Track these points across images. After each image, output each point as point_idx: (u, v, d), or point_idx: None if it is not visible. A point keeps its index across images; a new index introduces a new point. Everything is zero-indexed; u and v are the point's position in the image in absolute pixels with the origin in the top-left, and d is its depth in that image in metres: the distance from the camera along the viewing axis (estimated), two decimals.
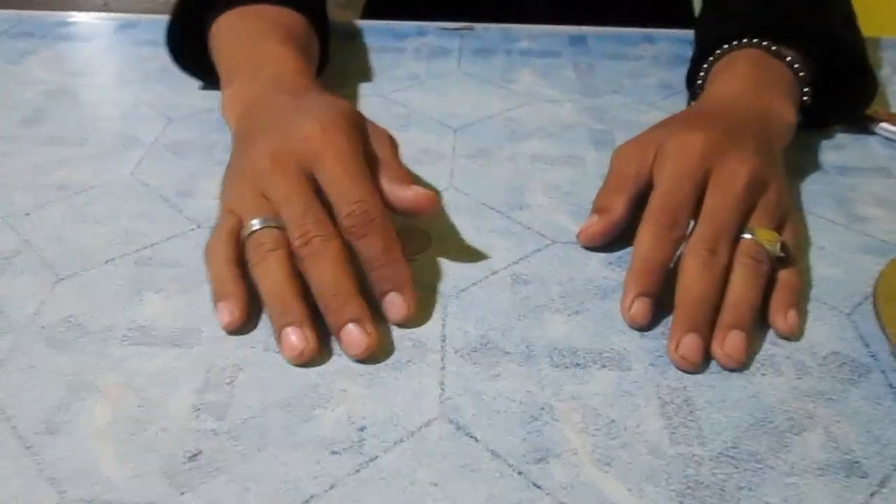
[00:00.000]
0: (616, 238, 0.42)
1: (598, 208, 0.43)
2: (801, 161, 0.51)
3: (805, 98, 0.50)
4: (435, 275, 0.41)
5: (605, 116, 0.56)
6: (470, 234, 0.44)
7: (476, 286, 0.40)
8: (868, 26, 0.58)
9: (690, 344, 0.35)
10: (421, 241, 0.43)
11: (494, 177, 0.49)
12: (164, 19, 0.56)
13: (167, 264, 0.41)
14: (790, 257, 0.39)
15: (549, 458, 0.31)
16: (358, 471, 0.31)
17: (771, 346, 0.37)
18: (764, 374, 0.35)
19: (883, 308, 0.37)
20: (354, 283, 0.36)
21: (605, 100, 0.58)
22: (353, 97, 0.58)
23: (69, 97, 0.58)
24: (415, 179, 0.41)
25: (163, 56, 0.60)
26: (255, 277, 0.37)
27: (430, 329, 0.37)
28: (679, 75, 0.62)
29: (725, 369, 0.35)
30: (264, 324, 0.37)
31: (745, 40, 0.50)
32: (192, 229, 0.44)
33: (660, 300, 0.38)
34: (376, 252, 0.37)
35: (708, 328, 0.36)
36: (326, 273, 0.36)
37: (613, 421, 0.33)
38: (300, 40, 0.51)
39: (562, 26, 0.69)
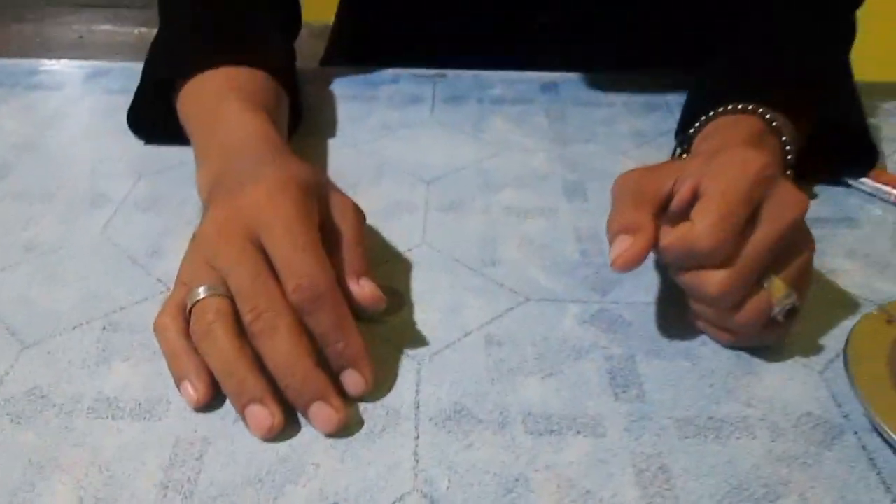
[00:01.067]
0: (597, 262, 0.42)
1: (626, 227, 0.38)
2: None
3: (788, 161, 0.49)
4: (408, 337, 0.40)
5: (577, 166, 0.56)
6: (443, 292, 0.44)
7: (449, 349, 0.40)
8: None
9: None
10: (393, 301, 0.43)
11: (467, 230, 0.49)
12: (133, 67, 0.55)
13: (135, 329, 0.40)
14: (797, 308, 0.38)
15: None
16: None
17: (745, 407, 0.37)
18: (738, 438, 0.35)
19: (854, 368, 0.37)
20: (311, 356, 0.35)
21: (577, 149, 0.59)
22: (325, 149, 0.58)
23: (37, 150, 0.57)
24: (369, 268, 0.40)
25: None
26: (202, 352, 0.35)
27: (403, 395, 0.37)
28: (651, 122, 0.63)
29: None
30: None
31: (750, 107, 0.48)
32: (162, 292, 0.43)
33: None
34: (327, 328, 0.35)
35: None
36: (280, 350, 0.34)
37: (589, 491, 0.33)
38: (267, 102, 0.50)
39: (534, 72, 0.70)
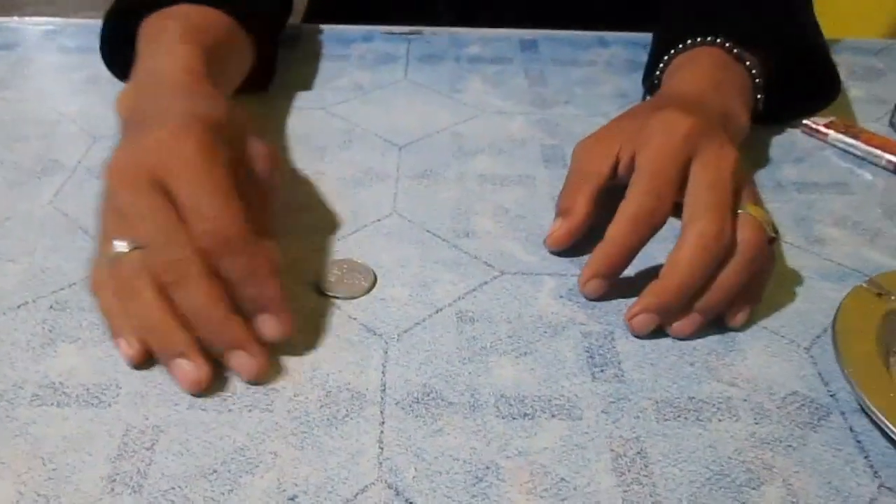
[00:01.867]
0: (579, 241, 0.42)
1: (561, 210, 0.42)
2: (758, 176, 0.50)
3: (758, 104, 0.50)
4: (377, 315, 0.38)
5: (556, 130, 0.54)
6: (414, 265, 0.41)
7: (419, 326, 0.38)
8: (827, 27, 0.57)
9: (648, 322, 0.37)
10: (365, 278, 0.40)
11: (440, 199, 0.47)
12: (91, 24, 0.52)
13: (85, 308, 0.38)
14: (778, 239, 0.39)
15: None
16: None
17: (728, 387, 0.35)
18: (721, 420, 0.34)
19: (842, 345, 0.35)
20: (226, 303, 0.33)
21: (557, 111, 0.56)
22: (293, 111, 0.55)
23: None
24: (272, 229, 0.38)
25: (90, 65, 0.56)
26: (126, 312, 0.34)
27: (369, 377, 0.35)
28: (632, 81, 0.60)
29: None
30: None
31: (708, 38, 0.49)
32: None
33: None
34: (238, 273, 0.34)
35: (677, 313, 0.37)
36: (192, 300, 0.33)
37: (563, 479, 0.31)
38: (215, 40, 0.47)
39: (512, 30, 0.67)
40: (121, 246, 0.34)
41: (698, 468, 0.32)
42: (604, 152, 0.42)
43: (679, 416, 0.34)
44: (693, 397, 0.35)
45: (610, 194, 0.41)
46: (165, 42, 0.45)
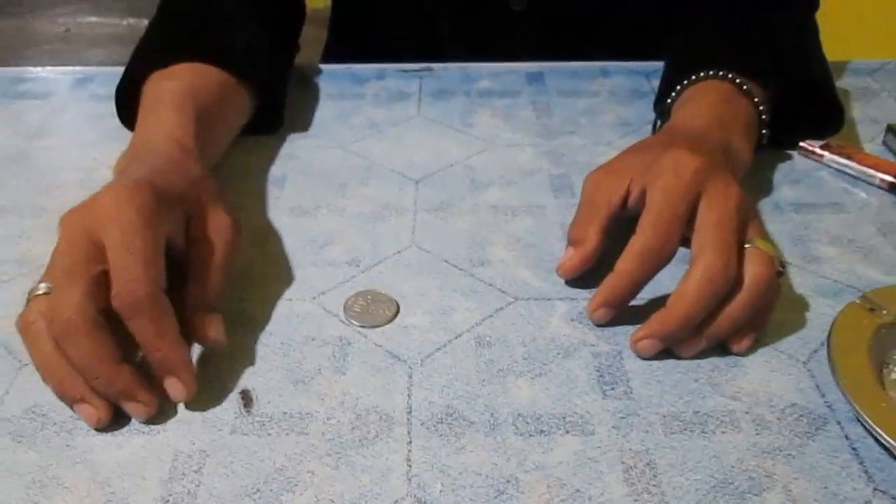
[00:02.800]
0: (588, 270, 0.44)
1: (573, 240, 0.44)
2: (757, 198, 0.52)
3: (762, 139, 0.52)
4: (400, 342, 0.41)
5: (562, 160, 0.57)
6: (433, 294, 0.44)
7: (440, 351, 0.41)
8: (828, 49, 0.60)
9: (652, 347, 0.39)
10: (388, 308, 0.43)
11: (456, 230, 0.49)
12: (118, 72, 0.56)
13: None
14: (785, 272, 0.41)
15: None
16: None
17: (730, 400, 0.38)
18: (724, 432, 0.36)
19: (837, 359, 0.37)
20: (112, 355, 0.35)
21: (563, 141, 0.59)
22: (313, 149, 0.58)
23: (25, 162, 0.57)
24: (221, 295, 0.40)
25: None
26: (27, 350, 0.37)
27: (395, 400, 0.38)
28: (635, 110, 0.63)
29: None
30: (229, 403, 0.38)
31: (719, 73, 0.52)
32: None
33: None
34: (145, 336, 0.36)
35: (680, 340, 0.39)
36: (80, 353, 0.35)
37: (578, 490, 0.34)
38: (207, 101, 0.51)
39: (519, 64, 0.70)
40: (41, 288, 0.37)
41: (703, 477, 0.34)
42: (614, 185, 0.43)
43: (685, 430, 0.36)
44: (698, 411, 0.37)
45: (618, 223, 0.44)
46: (159, 109, 0.49)
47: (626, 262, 0.40)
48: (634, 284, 0.40)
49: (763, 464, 0.35)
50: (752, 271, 0.39)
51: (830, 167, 0.56)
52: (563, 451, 0.35)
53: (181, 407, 0.37)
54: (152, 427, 0.37)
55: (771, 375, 0.39)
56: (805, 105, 0.55)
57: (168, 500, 0.33)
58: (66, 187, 0.54)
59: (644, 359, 0.40)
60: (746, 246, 0.40)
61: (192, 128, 0.47)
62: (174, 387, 0.37)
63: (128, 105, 0.55)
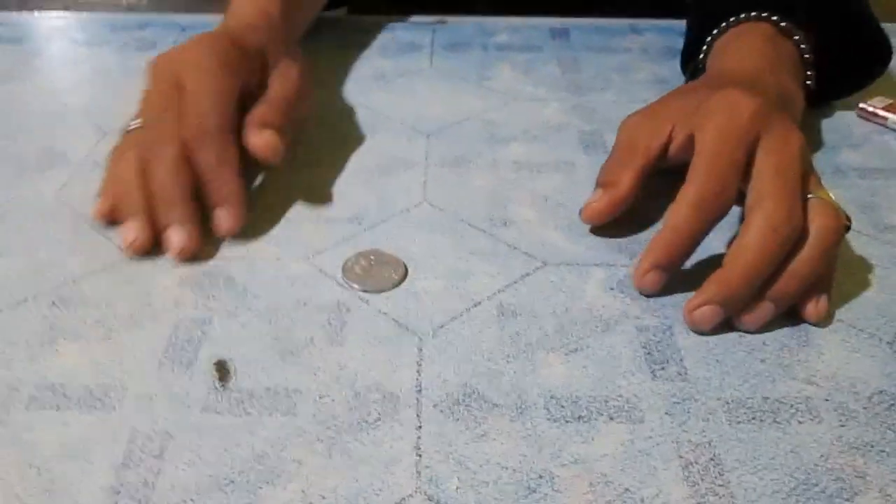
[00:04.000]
0: (622, 220, 0.39)
1: (603, 182, 0.39)
2: (817, 162, 0.46)
3: (808, 82, 0.46)
4: (409, 309, 0.35)
5: (593, 116, 0.50)
6: (447, 256, 0.38)
7: (456, 321, 0.34)
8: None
9: (711, 316, 0.33)
10: (394, 270, 0.37)
11: (474, 187, 0.43)
12: (101, 17, 0.50)
13: (90, 304, 0.35)
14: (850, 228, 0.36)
15: None
16: None
17: (805, 385, 0.31)
18: (800, 422, 0.30)
19: None
20: (183, 186, 0.37)
21: (593, 97, 0.52)
22: (315, 100, 0.51)
23: None
24: (281, 126, 0.41)
25: (99, 57, 0.53)
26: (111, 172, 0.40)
27: (402, 377, 0.31)
28: (671, 68, 0.56)
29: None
30: (202, 377, 0.31)
31: (753, 14, 0.45)
32: (123, 260, 0.37)
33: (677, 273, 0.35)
34: (207, 165, 0.38)
35: (744, 304, 0.33)
36: (156, 176, 0.37)
37: (627, 490, 0.27)
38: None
39: (542, 18, 0.63)
40: (134, 123, 0.40)
41: (781, 476, 0.28)
42: (655, 129, 0.38)
43: (754, 419, 0.30)
44: (767, 397, 0.31)
45: (656, 181, 0.37)
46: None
47: (679, 215, 0.34)
48: (690, 240, 0.34)
49: (852, 461, 0.28)
50: (819, 223, 0.33)
51: (894, 130, 0.50)
52: (608, 441, 0.29)
53: (142, 380, 0.31)
54: (105, 402, 0.30)
55: (851, 357, 0.33)
56: (848, 45, 0.48)
57: (119, 492, 0.27)
58: (31, 132, 0.48)
59: (701, 333, 0.33)
60: (809, 196, 0.34)
61: (280, 5, 0.48)
62: (223, 215, 0.38)
63: None
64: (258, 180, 0.43)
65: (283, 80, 0.43)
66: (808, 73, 0.46)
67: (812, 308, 0.34)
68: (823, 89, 0.47)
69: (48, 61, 0.57)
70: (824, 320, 0.34)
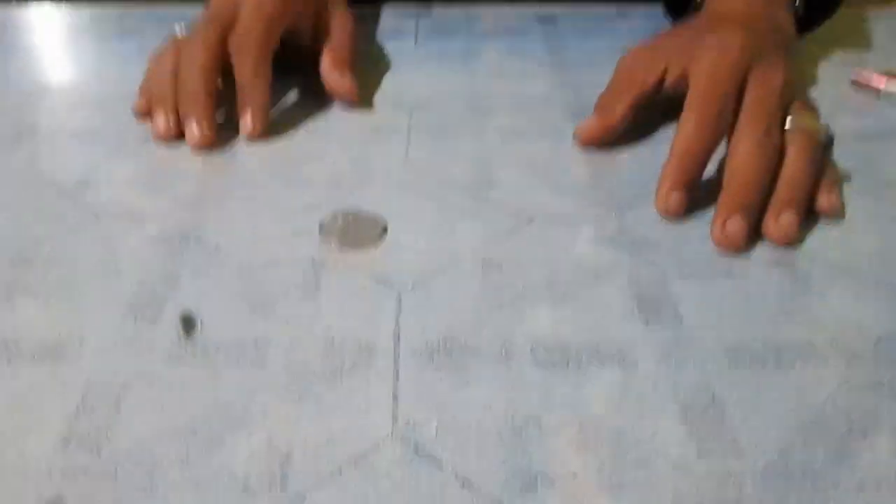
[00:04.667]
0: (612, 178, 0.38)
1: (600, 108, 0.42)
2: None
3: (797, 3, 0.48)
4: (387, 264, 0.33)
5: (581, 91, 0.49)
6: (429, 215, 0.36)
7: (438, 275, 0.32)
8: None
9: (737, 224, 0.33)
10: (373, 227, 0.35)
11: (458, 151, 0.41)
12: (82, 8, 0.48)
13: (53, 263, 0.33)
14: (833, 146, 0.38)
15: (540, 484, 0.23)
16: None
17: (809, 331, 0.29)
18: (804, 365, 0.28)
19: None
20: (207, 86, 0.41)
21: (582, 73, 0.51)
22: (295, 78, 0.50)
23: None
24: (353, 68, 0.46)
25: (78, 43, 0.52)
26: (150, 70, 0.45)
27: (378, 327, 0.29)
28: None
29: (778, 245, 0.34)
30: (165, 330, 0.29)
31: None
32: (90, 222, 0.36)
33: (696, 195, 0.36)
34: (242, 74, 0.42)
35: (756, 212, 0.34)
36: (184, 76, 0.41)
37: (622, 431, 0.25)
38: None
39: (528, 6, 0.63)
40: (178, 29, 0.44)
41: (785, 416, 0.26)
42: (651, 63, 0.41)
43: (755, 363, 0.28)
44: (769, 341, 0.29)
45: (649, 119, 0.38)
46: None
47: (684, 136, 0.36)
48: (700, 155, 0.36)
49: (862, 401, 0.26)
50: (798, 136, 0.36)
51: (888, 97, 0.48)
52: (599, 385, 0.27)
53: (98, 331, 0.29)
54: (61, 355, 0.28)
55: (855, 303, 0.31)
56: None
57: (71, 441, 0.25)
58: (3, 109, 0.46)
59: (735, 250, 0.33)
60: (789, 118, 0.37)
61: None
62: (244, 120, 0.42)
63: None
64: (234, 146, 0.42)
65: (342, 25, 0.47)
66: (797, 3, 0.47)
67: (825, 200, 0.35)
68: (809, 14, 0.49)
69: (27, 49, 0.56)
70: (839, 211, 0.36)
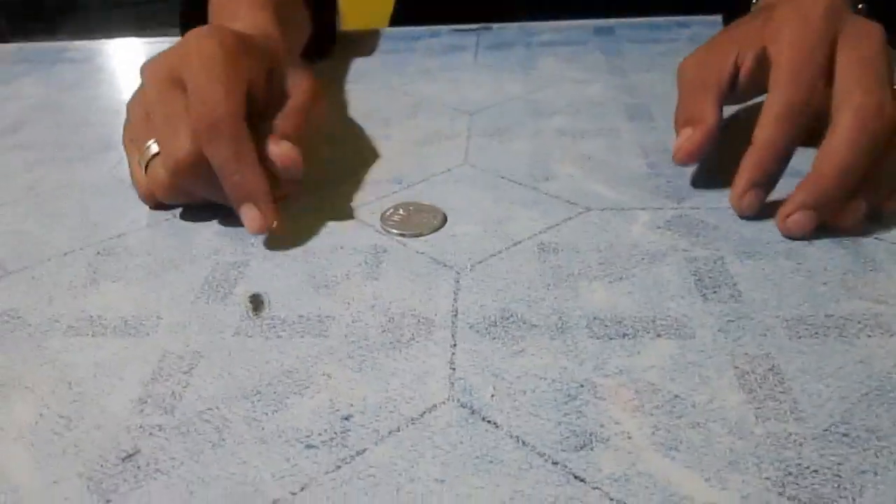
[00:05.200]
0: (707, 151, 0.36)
1: (688, 120, 0.36)
2: None
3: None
4: (446, 249, 0.34)
5: (637, 92, 0.49)
6: (487, 205, 0.37)
7: (495, 258, 0.33)
8: None
9: (806, 222, 0.32)
10: (433, 217, 0.36)
11: (515, 150, 0.42)
12: (165, 42, 0.52)
13: (133, 253, 0.35)
14: None
15: (594, 444, 0.24)
16: (339, 467, 0.23)
17: (874, 304, 0.29)
18: (870, 336, 0.27)
19: None
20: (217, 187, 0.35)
21: (638, 77, 0.52)
22: (356, 91, 0.52)
23: (53, 108, 0.53)
24: (299, 137, 0.37)
25: None
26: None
27: (437, 304, 0.30)
28: None
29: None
30: (235, 307, 0.31)
31: None
32: (168, 219, 0.38)
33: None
34: (223, 159, 0.33)
35: (840, 203, 0.32)
36: (155, 177, 0.35)
37: (677, 396, 0.25)
38: (280, 6, 0.45)
39: (586, 20, 0.64)
40: (153, 149, 0.35)
41: (850, 384, 0.25)
42: (719, 61, 0.36)
43: (816, 334, 0.27)
44: (831, 314, 0.28)
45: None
46: (237, 7, 0.44)
47: (766, 129, 0.33)
48: (782, 153, 0.33)
49: None
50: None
51: None
52: (655, 354, 0.27)
53: (174, 309, 0.31)
54: (139, 330, 0.30)
55: None
56: None
57: (147, 402, 0.26)
58: (91, 125, 0.50)
59: (798, 239, 0.32)
60: None
61: (271, 14, 0.43)
62: (249, 215, 0.34)
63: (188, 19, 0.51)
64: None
65: (298, 90, 0.38)
66: (860, 6, 0.42)
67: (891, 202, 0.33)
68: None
69: (110, 75, 0.60)
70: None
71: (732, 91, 0.36)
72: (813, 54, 0.33)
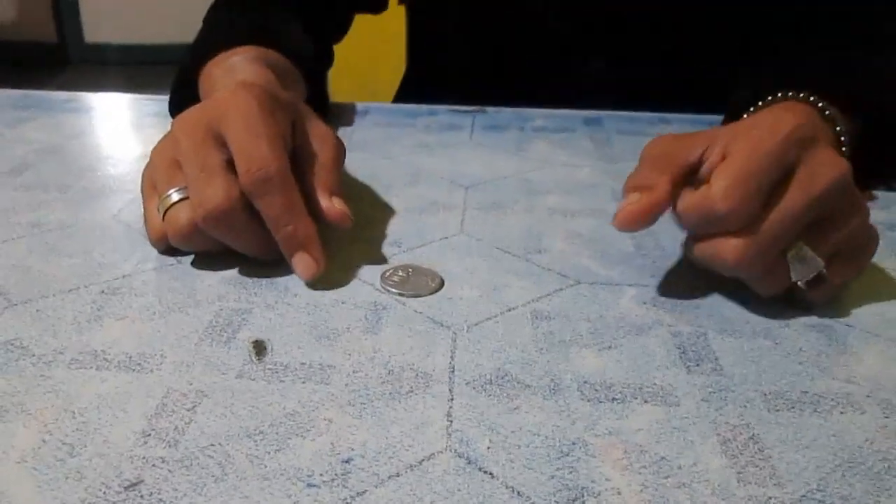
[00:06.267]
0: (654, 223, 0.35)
1: (637, 186, 0.36)
2: None
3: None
4: (444, 311, 0.35)
5: (624, 178, 0.52)
6: (483, 273, 0.39)
7: (490, 321, 0.35)
8: None
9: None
10: (431, 279, 0.38)
11: (509, 224, 0.45)
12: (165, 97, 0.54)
13: (138, 294, 0.36)
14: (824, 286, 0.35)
15: (586, 497, 0.25)
16: None
17: (845, 384, 0.31)
18: (843, 413, 0.29)
19: None
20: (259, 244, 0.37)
21: (626, 165, 0.55)
22: (355, 160, 0.55)
23: (59, 153, 0.55)
24: (342, 192, 0.40)
25: (160, 125, 0.58)
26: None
27: (434, 360, 0.32)
28: None
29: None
30: (238, 351, 0.32)
31: (800, 94, 0.44)
32: (173, 264, 0.39)
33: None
34: (276, 211, 0.35)
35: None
36: (174, 223, 0.37)
37: (664, 458, 0.26)
38: (276, 70, 0.48)
39: (576, 110, 0.67)
40: (173, 196, 0.37)
41: (824, 455, 0.27)
42: (687, 147, 0.36)
43: (793, 408, 0.29)
44: (807, 391, 0.30)
45: None
46: (235, 68, 0.47)
47: (684, 215, 0.34)
48: (686, 220, 0.35)
49: None
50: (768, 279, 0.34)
51: None
52: (642, 419, 0.28)
53: (178, 349, 0.32)
54: (143, 366, 0.31)
55: (891, 364, 0.32)
56: (889, 140, 0.48)
57: (150, 435, 0.27)
58: (96, 170, 0.51)
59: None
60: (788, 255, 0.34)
61: (272, 72, 0.46)
62: (303, 262, 0.36)
63: (179, 101, 0.53)
64: None
65: (327, 146, 0.40)
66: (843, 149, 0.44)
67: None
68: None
69: (114, 125, 0.62)
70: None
71: (692, 177, 0.36)
72: (762, 169, 0.33)
